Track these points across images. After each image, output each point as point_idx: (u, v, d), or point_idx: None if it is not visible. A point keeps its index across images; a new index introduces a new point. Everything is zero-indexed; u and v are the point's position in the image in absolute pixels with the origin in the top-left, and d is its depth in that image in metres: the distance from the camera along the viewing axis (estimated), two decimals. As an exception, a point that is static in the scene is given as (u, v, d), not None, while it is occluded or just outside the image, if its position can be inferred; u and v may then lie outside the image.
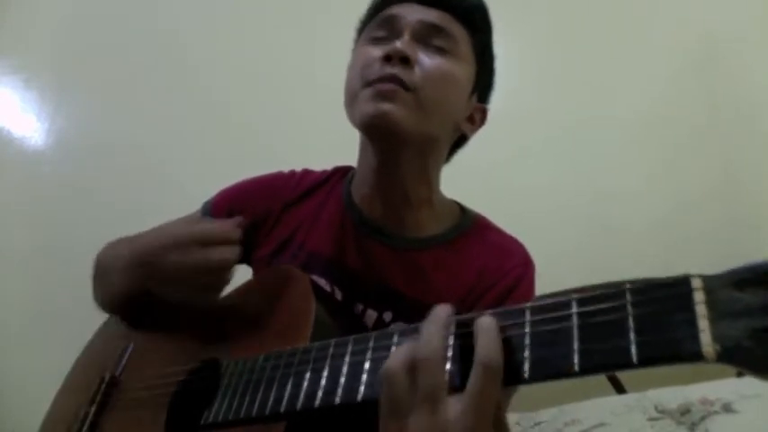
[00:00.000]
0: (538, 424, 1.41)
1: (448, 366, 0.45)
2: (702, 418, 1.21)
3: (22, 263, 1.91)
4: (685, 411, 1.24)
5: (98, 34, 2.09)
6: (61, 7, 2.11)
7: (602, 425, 1.29)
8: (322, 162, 0.99)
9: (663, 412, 1.27)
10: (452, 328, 0.47)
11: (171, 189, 1.82)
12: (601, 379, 1.53)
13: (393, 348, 0.51)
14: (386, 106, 0.74)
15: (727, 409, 1.20)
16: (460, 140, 0.91)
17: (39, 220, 1.94)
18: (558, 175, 1.98)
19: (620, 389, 1.51)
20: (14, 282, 1.88)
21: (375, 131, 0.78)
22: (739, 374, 1.38)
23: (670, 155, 1.94)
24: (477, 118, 0.89)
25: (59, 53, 2.09)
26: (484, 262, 0.82)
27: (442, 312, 0.48)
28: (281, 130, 2.03)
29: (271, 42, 2.14)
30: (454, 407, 0.43)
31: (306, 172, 0.96)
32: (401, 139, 0.77)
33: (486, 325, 0.45)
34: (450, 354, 0.46)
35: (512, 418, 1.43)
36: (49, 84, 2.10)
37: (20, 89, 2.09)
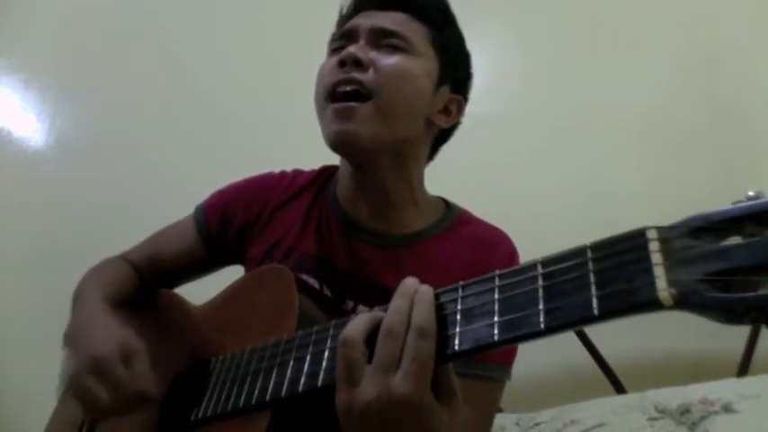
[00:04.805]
0: (538, 424, 1.41)
1: None
2: (702, 418, 1.20)
3: (21, 263, 1.91)
4: (685, 411, 1.24)
5: (98, 35, 2.09)
6: (61, 7, 2.11)
7: (602, 425, 1.28)
8: (318, 163, 0.99)
9: (663, 412, 1.26)
10: None
11: (170, 189, 1.82)
12: (601, 379, 1.52)
13: None
14: (346, 126, 0.77)
15: (727, 409, 1.20)
16: (443, 135, 0.92)
17: (38, 220, 1.93)
18: (558, 175, 1.98)
19: (620, 389, 1.50)
20: (14, 282, 1.88)
21: (342, 151, 0.82)
22: (739, 374, 1.38)
23: (670, 155, 1.94)
24: (453, 109, 0.89)
25: (59, 53, 2.09)
26: (470, 254, 0.83)
27: (411, 285, 0.50)
28: (281, 131, 2.03)
29: (270, 43, 2.13)
30: (395, 375, 0.46)
31: (296, 173, 0.97)
32: (369, 152, 0.80)
33: (423, 295, 0.49)
34: None
35: (511, 418, 1.43)
36: (49, 84, 2.10)
37: (20, 89, 2.09)
